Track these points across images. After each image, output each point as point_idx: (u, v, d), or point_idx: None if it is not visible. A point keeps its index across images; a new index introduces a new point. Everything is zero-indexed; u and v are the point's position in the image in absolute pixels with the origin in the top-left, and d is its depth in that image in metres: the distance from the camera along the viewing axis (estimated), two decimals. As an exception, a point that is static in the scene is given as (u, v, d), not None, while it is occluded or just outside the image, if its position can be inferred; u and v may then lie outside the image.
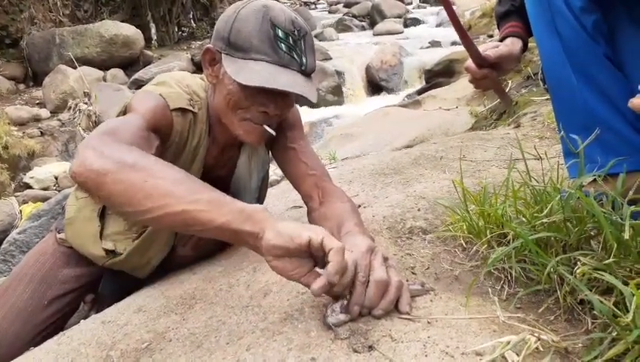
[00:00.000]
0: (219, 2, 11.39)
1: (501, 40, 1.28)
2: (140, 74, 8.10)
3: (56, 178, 5.27)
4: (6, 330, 1.29)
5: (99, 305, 1.37)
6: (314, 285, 0.80)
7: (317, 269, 0.84)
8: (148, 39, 9.67)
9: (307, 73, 1.13)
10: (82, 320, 1.16)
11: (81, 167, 0.88)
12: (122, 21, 9.34)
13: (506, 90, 3.55)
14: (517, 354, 0.71)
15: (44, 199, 4.34)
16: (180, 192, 0.84)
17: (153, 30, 10.22)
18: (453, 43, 8.35)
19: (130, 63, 8.83)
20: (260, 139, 1.20)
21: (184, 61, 8.68)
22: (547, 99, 2.75)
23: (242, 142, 1.32)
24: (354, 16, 12.96)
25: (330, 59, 8.33)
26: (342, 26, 12.00)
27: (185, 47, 10.28)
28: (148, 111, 1.11)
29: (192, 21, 11.15)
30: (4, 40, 8.56)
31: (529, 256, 0.90)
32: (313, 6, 16.18)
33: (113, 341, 0.97)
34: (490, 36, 6.49)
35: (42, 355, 1.01)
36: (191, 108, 1.21)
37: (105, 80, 8.05)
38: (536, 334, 0.73)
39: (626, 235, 0.77)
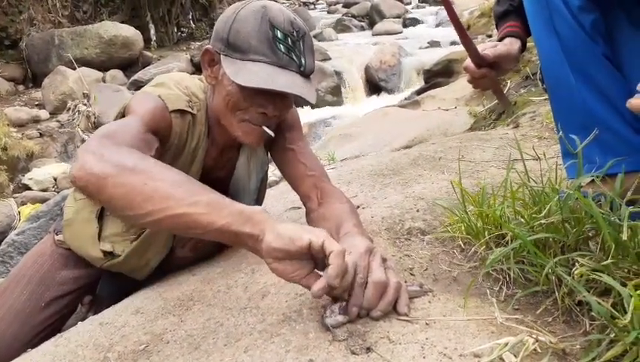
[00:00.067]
0: (218, 3, 11.39)
1: (500, 40, 1.28)
2: (140, 75, 8.10)
3: (55, 179, 5.27)
4: (4, 332, 1.29)
5: (97, 307, 1.37)
6: (314, 287, 0.80)
7: (316, 271, 0.84)
8: (147, 40, 9.67)
9: (306, 74, 1.13)
10: (80, 322, 1.16)
11: (81, 171, 0.88)
12: (121, 22, 9.35)
13: (505, 91, 3.55)
14: (515, 356, 0.70)
15: (43, 200, 4.34)
16: (179, 195, 0.84)
17: (152, 31, 10.21)
18: (453, 43, 8.35)
19: (130, 64, 8.83)
20: (259, 140, 1.20)
21: (183, 62, 8.68)
22: (546, 99, 2.75)
23: (241, 143, 1.31)
24: (353, 16, 12.96)
25: (330, 59, 8.34)
26: (341, 26, 12.00)
27: (184, 48, 10.28)
28: (147, 113, 1.11)
29: (191, 22, 11.15)
30: (4, 41, 8.56)
31: (527, 257, 0.90)
32: (312, 6, 16.17)
33: (111, 343, 0.97)
34: (489, 36, 6.49)
35: (40, 357, 1.01)
36: (190, 109, 1.21)
37: (104, 81, 8.05)
38: (534, 335, 0.73)
39: (625, 236, 0.77)
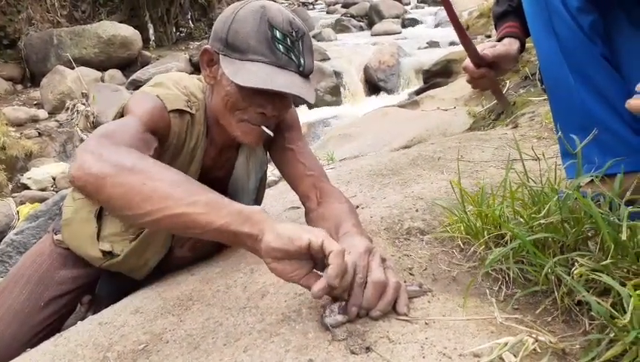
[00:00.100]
0: (217, 3, 11.38)
1: (499, 40, 1.28)
2: (138, 74, 8.09)
3: (53, 179, 5.27)
4: (3, 332, 1.29)
5: (96, 307, 1.37)
6: (314, 287, 0.80)
7: (315, 271, 0.84)
8: (146, 40, 9.66)
9: (305, 74, 1.13)
10: (79, 322, 1.16)
11: (80, 170, 0.88)
12: (120, 22, 9.33)
13: (504, 91, 3.56)
14: (514, 356, 0.70)
15: (42, 200, 4.33)
16: (178, 194, 0.84)
17: (151, 31, 10.21)
18: (452, 43, 8.36)
19: (128, 64, 8.82)
20: (258, 140, 1.20)
21: (182, 62, 8.67)
22: (545, 99, 2.75)
23: (240, 143, 1.31)
24: (352, 16, 12.96)
25: (329, 59, 8.34)
26: (340, 27, 11.99)
27: (183, 48, 10.27)
28: (145, 113, 1.10)
29: (190, 21, 11.14)
30: (2, 41, 8.55)
31: (527, 257, 0.90)
32: (311, 6, 16.17)
33: (110, 342, 0.96)
34: (488, 36, 6.50)
35: (39, 356, 1.00)
36: (188, 109, 1.20)
37: (103, 80, 8.04)
38: (533, 335, 0.73)
39: (624, 236, 0.77)
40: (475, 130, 3.25)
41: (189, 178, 0.89)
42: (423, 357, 0.73)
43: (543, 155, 1.15)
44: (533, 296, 0.88)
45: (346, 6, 14.33)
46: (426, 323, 0.82)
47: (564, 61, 1.05)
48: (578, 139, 0.94)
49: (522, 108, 2.93)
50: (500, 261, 0.93)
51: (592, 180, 0.91)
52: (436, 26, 11.23)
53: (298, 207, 1.51)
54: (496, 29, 1.34)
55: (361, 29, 12.19)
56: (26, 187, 5.18)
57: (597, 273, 0.76)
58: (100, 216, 1.32)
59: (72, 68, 7.49)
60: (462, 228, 1.10)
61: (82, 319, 1.22)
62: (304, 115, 6.45)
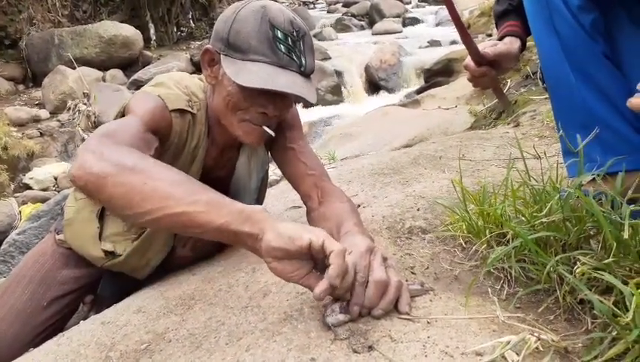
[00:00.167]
0: (217, 2, 11.38)
1: (500, 39, 1.28)
2: (139, 74, 8.09)
3: (55, 178, 5.27)
4: (5, 332, 1.29)
5: (98, 306, 1.37)
6: (316, 289, 0.80)
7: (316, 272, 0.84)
8: (147, 39, 9.67)
9: (306, 74, 1.13)
10: (82, 321, 1.16)
11: (81, 170, 0.88)
12: (121, 21, 9.33)
13: (505, 90, 3.56)
14: (517, 354, 0.70)
15: (44, 200, 4.34)
16: (178, 194, 0.84)
17: (152, 30, 10.21)
18: (453, 42, 8.35)
19: (130, 64, 8.83)
20: (260, 139, 1.20)
21: (183, 61, 8.67)
22: (546, 97, 2.75)
23: (241, 142, 1.31)
24: (353, 15, 12.95)
25: (330, 58, 8.33)
26: (341, 26, 11.98)
27: (184, 48, 10.27)
28: (146, 113, 1.11)
29: (191, 21, 11.14)
30: (3, 41, 8.56)
31: (528, 256, 0.90)
32: (312, 5, 16.15)
33: (112, 342, 0.97)
34: (489, 35, 6.49)
35: (42, 356, 1.01)
36: (190, 109, 1.21)
37: (104, 80, 8.05)
38: (536, 334, 0.73)
39: (626, 234, 0.77)
40: (476, 129, 3.25)
41: (190, 178, 0.89)
42: (425, 356, 0.73)
43: (545, 154, 1.15)
44: (536, 295, 0.88)
45: (346, 5, 14.31)
46: (428, 322, 0.82)
47: (565, 59, 1.05)
48: (579, 137, 0.94)
49: (523, 107, 2.93)
50: (502, 260, 0.93)
51: (594, 179, 0.91)
52: (437, 24, 11.21)
53: (299, 207, 1.52)
54: (497, 27, 1.34)
55: (362, 28, 12.18)
56: (28, 187, 5.19)
57: (599, 271, 0.76)
58: (102, 216, 1.32)
59: (74, 68, 7.50)
60: (463, 226, 1.10)
61: (85, 319, 1.23)
62: (305, 114, 6.44)
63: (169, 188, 0.84)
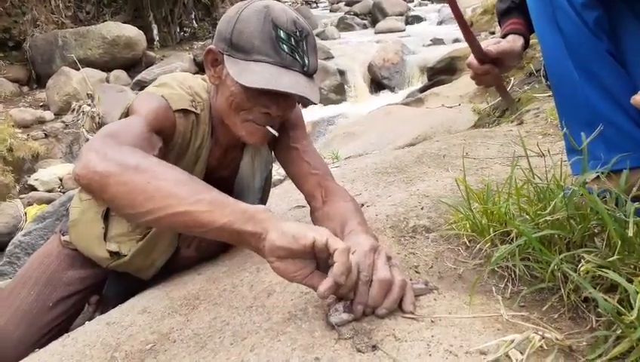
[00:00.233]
0: (220, 2, 11.40)
1: (503, 37, 1.28)
2: (143, 75, 8.12)
3: (60, 180, 5.29)
4: (11, 333, 1.30)
5: (103, 307, 1.38)
6: (320, 287, 0.80)
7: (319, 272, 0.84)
8: (150, 40, 9.69)
9: (309, 74, 1.13)
10: (87, 322, 1.16)
11: (85, 169, 0.88)
12: (124, 22, 9.37)
13: (509, 87, 3.55)
14: (521, 353, 0.70)
15: (49, 201, 4.36)
16: (182, 193, 0.84)
17: (155, 31, 10.23)
18: (455, 40, 8.33)
19: (133, 64, 8.86)
20: (263, 139, 1.20)
21: (186, 61, 8.69)
22: (550, 95, 2.74)
23: (245, 142, 1.32)
24: (355, 14, 12.94)
25: (332, 57, 8.33)
26: (343, 25, 11.98)
27: (187, 48, 10.29)
28: (150, 113, 1.11)
29: (193, 21, 11.16)
30: (7, 42, 8.59)
31: (533, 254, 0.90)
32: (314, 5, 16.16)
33: (118, 342, 0.97)
34: (492, 33, 6.48)
35: (47, 357, 1.01)
36: (193, 109, 1.21)
37: (108, 81, 8.08)
38: (540, 332, 0.73)
39: (630, 232, 0.76)
40: (479, 127, 3.25)
41: (194, 177, 0.89)
42: (430, 355, 0.73)
43: (549, 152, 1.15)
44: (540, 293, 0.88)
45: (349, 4, 14.31)
46: (432, 321, 0.82)
47: (568, 57, 1.04)
48: (584, 135, 0.93)
49: (527, 105, 2.92)
50: (506, 258, 0.93)
51: (598, 176, 0.91)
52: (440, 23, 11.19)
53: (303, 206, 1.52)
54: (500, 25, 1.33)
55: (365, 27, 12.18)
56: (33, 188, 5.21)
57: (603, 269, 0.76)
58: (106, 217, 1.33)
59: (77, 69, 7.53)
60: (467, 225, 1.10)
61: (90, 319, 1.23)
62: (308, 113, 6.44)
63: (172, 187, 0.85)
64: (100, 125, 6.34)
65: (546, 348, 0.72)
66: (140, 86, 7.61)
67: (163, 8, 10.38)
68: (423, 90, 6.24)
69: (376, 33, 10.98)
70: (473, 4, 8.44)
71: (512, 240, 0.98)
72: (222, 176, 1.35)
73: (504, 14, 1.30)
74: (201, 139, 1.25)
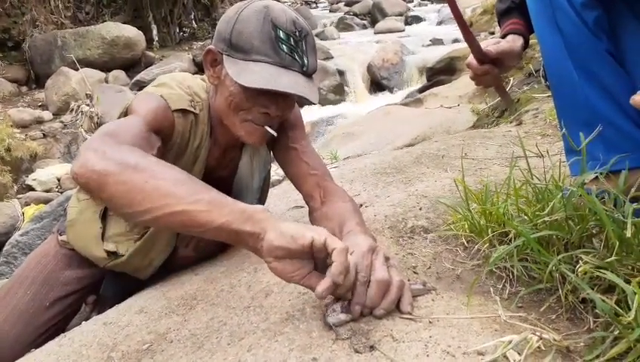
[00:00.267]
0: (220, 3, 11.40)
1: (502, 37, 1.28)
2: (142, 75, 8.12)
3: (58, 180, 5.29)
4: (8, 332, 1.30)
5: (100, 307, 1.37)
6: (318, 288, 0.79)
7: (316, 272, 0.84)
8: (149, 40, 9.69)
9: (308, 74, 1.13)
10: (84, 322, 1.16)
11: (83, 168, 0.88)
12: (124, 22, 9.37)
13: (508, 88, 3.55)
14: (519, 354, 0.70)
15: (47, 201, 4.36)
16: (180, 193, 0.84)
17: (155, 31, 10.23)
18: (455, 40, 8.34)
19: (132, 65, 8.86)
20: (262, 139, 1.20)
21: (186, 62, 8.69)
22: (549, 96, 2.74)
23: (244, 142, 1.31)
24: (355, 14, 12.96)
25: (332, 58, 8.34)
26: (343, 25, 11.99)
27: (186, 48, 10.29)
28: (149, 113, 1.11)
29: (193, 22, 11.16)
30: (7, 43, 8.59)
31: (531, 255, 0.90)
32: (314, 5, 16.18)
33: (114, 342, 0.97)
34: (492, 33, 6.48)
35: (44, 357, 1.01)
36: (192, 109, 1.21)
37: (107, 81, 8.07)
38: (538, 333, 0.73)
39: (628, 233, 0.76)
40: (478, 128, 3.24)
41: (192, 177, 0.89)
42: (427, 356, 0.73)
43: (547, 152, 1.15)
44: (538, 294, 0.88)
45: (348, 4, 14.33)
46: (430, 322, 0.82)
47: (568, 57, 1.04)
48: (582, 135, 0.93)
49: (526, 105, 2.92)
50: (504, 259, 0.92)
51: (597, 177, 0.91)
52: (439, 23, 11.20)
53: (302, 206, 1.51)
54: (499, 25, 1.33)
55: (364, 27, 12.19)
56: (30, 188, 5.21)
57: (601, 270, 0.76)
58: (104, 217, 1.33)
59: (76, 69, 7.53)
60: (466, 226, 1.10)
61: (87, 319, 1.23)
62: (307, 113, 6.44)
63: (171, 186, 0.84)
64: (99, 125, 6.32)
65: (543, 348, 0.72)
66: (139, 86, 7.61)
67: (162, 9, 10.38)
68: (422, 90, 6.24)
69: (375, 33, 10.99)
70: (473, 4, 8.45)
71: (510, 240, 0.98)
72: (220, 176, 1.35)
73: (504, 14, 1.30)
74: (200, 139, 1.25)
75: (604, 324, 0.74)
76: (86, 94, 6.93)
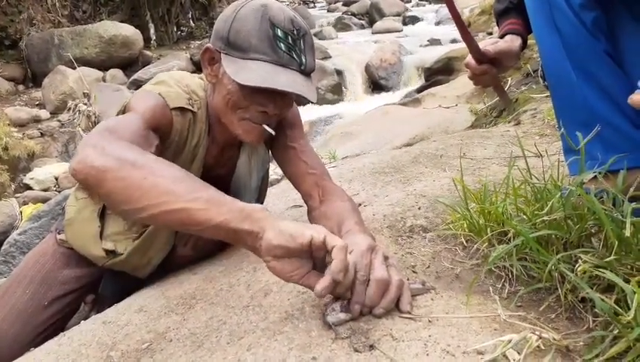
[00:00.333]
0: (217, 2, 11.38)
1: (501, 37, 1.28)
2: (140, 74, 8.10)
3: (56, 179, 5.28)
4: (6, 332, 1.29)
5: (99, 306, 1.37)
6: (317, 286, 0.79)
7: (315, 272, 0.84)
8: (147, 39, 9.68)
9: (306, 73, 1.13)
10: (83, 321, 1.16)
11: (81, 163, 0.88)
12: (121, 21, 9.34)
13: (506, 88, 3.55)
14: (518, 353, 0.70)
15: (45, 200, 4.35)
16: (179, 190, 0.83)
17: (152, 30, 10.21)
18: (453, 40, 8.35)
19: (130, 63, 8.84)
20: (260, 138, 1.20)
21: (183, 61, 8.68)
22: (547, 96, 2.75)
23: (242, 141, 1.31)
24: (353, 14, 12.95)
25: (330, 57, 8.33)
26: (341, 25, 11.99)
27: (184, 47, 10.28)
28: (147, 110, 1.11)
29: (190, 21, 11.14)
30: (4, 41, 8.57)
31: (530, 254, 0.90)
32: (312, 4, 16.16)
33: (114, 341, 0.97)
34: (490, 33, 6.49)
35: (43, 356, 1.01)
36: (190, 107, 1.20)
37: (104, 80, 8.06)
38: (537, 332, 0.73)
39: (627, 232, 0.76)
40: (477, 128, 3.25)
41: (191, 175, 0.89)
42: (427, 355, 0.73)
43: (546, 152, 1.15)
44: (537, 293, 0.88)
45: (346, 4, 14.31)
46: (430, 321, 0.82)
47: (566, 57, 1.04)
48: (581, 135, 0.93)
49: (524, 105, 2.93)
50: (503, 258, 0.93)
51: (595, 177, 0.91)
52: (437, 23, 11.20)
53: (300, 206, 1.51)
54: (498, 25, 1.34)
55: (362, 27, 12.18)
56: (28, 187, 5.20)
57: (601, 269, 0.76)
58: (102, 216, 1.32)
59: (74, 68, 7.51)
60: (465, 225, 1.10)
61: (86, 318, 1.23)
62: (306, 113, 6.43)
63: (169, 184, 0.84)
64: (96, 124, 6.29)
65: (543, 348, 0.72)
66: (137, 85, 7.59)
67: (160, 7, 10.36)
68: (420, 90, 6.24)
69: (373, 33, 10.98)
70: (471, 4, 8.46)
71: (509, 240, 0.98)
72: (218, 175, 1.35)
73: (502, 14, 1.30)
74: (198, 138, 1.25)
75: (604, 323, 0.74)
76: (83, 93, 6.91)
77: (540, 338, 0.72)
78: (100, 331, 1.03)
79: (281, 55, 1.09)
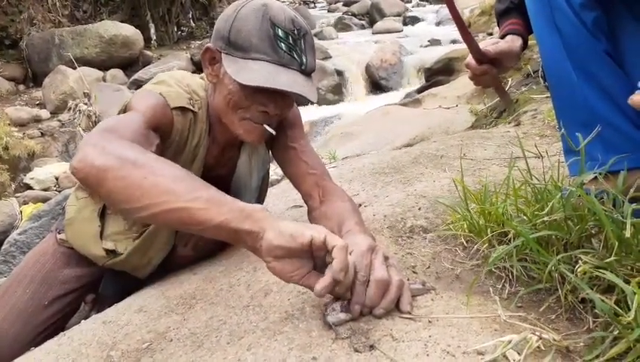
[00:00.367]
0: (218, 1, 11.39)
1: (501, 37, 1.28)
2: (140, 74, 8.11)
3: (56, 178, 5.28)
4: (6, 331, 1.29)
5: (99, 305, 1.37)
6: (317, 285, 0.79)
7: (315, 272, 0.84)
8: (147, 39, 9.67)
9: (307, 72, 1.13)
10: (83, 321, 1.16)
11: (82, 162, 0.88)
12: (121, 21, 9.34)
13: (506, 88, 3.56)
14: (518, 353, 0.70)
15: (45, 200, 4.35)
16: (179, 190, 0.83)
17: (152, 30, 10.21)
18: (453, 41, 8.35)
19: (130, 63, 8.84)
20: (260, 138, 1.20)
21: (184, 61, 8.68)
22: (547, 96, 2.75)
23: (242, 141, 1.31)
24: (353, 14, 12.95)
25: (330, 57, 8.34)
26: (341, 25, 11.99)
27: (184, 47, 10.28)
28: (148, 110, 1.11)
29: (191, 21, 11.14)
30: (4, 41, 8.57)
31: (530, 255, 0.90)
32: (312, 5, 16.15)
33: (114, 341, 0.97)
34: (490, 34, 6.49)
35: (43, 356, 1.01)
36: (191, 107, 1.21)
37: (104, 80, 8.06)
38: (537, 333, 0.73)
39: (627, 233, 0.76)
40: (477, 128, 3.25)
41: (192, 174, 0.89)
42: (427, 355, 0.73)
43: (546, 153, 1.15)
44: (537, 294, 0.88)
45: (347, 4, 14.31)
46: (430, 321, 0.82)
47: (567, 58, 1.04)
48: (581, 136, 0.93)
49: (525, 106, 2.93)
50: (504, 259, 0.93)
51: (596, 177, 0.91)
52: (438, 23, 11.20)
53: (300, 206, 1.51)
54: (498, 26, 1.34)
55: (363, 27, 12.18)
56: (28, 187, 5.20)
57: (601, 270, 0.76)
58: (103, 215, 1.32)
59: (74, 68, 7.51)
60: (465, 226, 1.10)
61: (86, 318, 1.23)
62: (306, 113, 6.42)
63: (170, 183, 0.84)
64: (96, 124, 6.30)
65: (543, 348, 0.72)
66: (137, 85, 7.59)
67: (160, 7, 10.36)
68: (420, 90, 6.24)
69: (373, 33, 10.98)
70: (471, 5, 8.46)
71: (509, 240, 0.98)
72: (219, 175, 1.35)
73: (503, 15, 1.30)
74: (199, 138, 1.25)
75: (604, 324, 0.74)
76: (84, 93, 6.91)
77: (540, 338, 0.72)
78: (100, 331, 1.03)
79: (282, 55, 1.09)
